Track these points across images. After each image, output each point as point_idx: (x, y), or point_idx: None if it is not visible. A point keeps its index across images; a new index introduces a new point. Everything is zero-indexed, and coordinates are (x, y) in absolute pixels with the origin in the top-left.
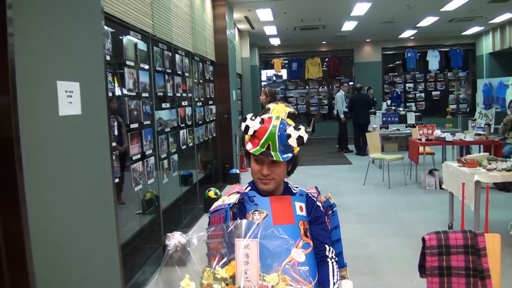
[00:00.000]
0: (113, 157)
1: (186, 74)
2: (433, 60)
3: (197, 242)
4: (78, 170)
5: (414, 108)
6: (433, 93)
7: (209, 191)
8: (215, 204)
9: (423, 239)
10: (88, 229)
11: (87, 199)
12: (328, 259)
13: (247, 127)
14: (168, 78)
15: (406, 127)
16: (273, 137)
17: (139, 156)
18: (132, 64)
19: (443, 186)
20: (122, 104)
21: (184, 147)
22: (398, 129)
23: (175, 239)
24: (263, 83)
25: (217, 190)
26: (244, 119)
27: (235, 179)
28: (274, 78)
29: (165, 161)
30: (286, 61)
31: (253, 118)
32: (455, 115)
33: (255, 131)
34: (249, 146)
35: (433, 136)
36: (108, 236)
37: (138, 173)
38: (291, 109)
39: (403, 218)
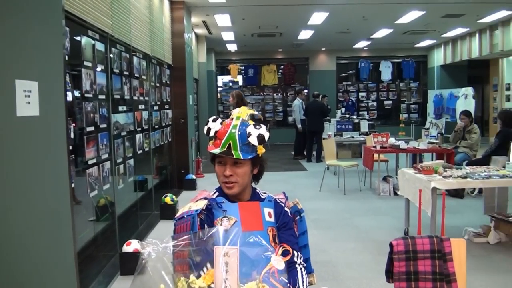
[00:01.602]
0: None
1: (143, 77)
2: (386, 71)
3: (173, 250)
4: (34, 173)
5: (367, 117)
6: (385, 102)
7: (165, 197)
8: (181, 211)
9: (391, 244)
10: (44, 235)
11: (43, 204)
12: (297, 265)
13: (208, 129)
14: (125, 81)
15: (360, 135)
16: (234, 136)
17: (94, 160)
18: (90, 64)
19: (399, 193)
20: (77, 106)
21: (140, 151)
22: (352, 137)
23: (149, 247)
24: (219, 89)
25: (174, 196)
26: (207, 122)
27: (191, 185)
28: (230, 84)
29: (121, 166)
30: (242, 67)
31: (214, 120)
32: (407, 124)
33: (216, 132)
34: (211, 148)
35: (387, 144)
36: (64, 242)
37: (94, 178)
38: (255, 112)
39: (360, 224)
